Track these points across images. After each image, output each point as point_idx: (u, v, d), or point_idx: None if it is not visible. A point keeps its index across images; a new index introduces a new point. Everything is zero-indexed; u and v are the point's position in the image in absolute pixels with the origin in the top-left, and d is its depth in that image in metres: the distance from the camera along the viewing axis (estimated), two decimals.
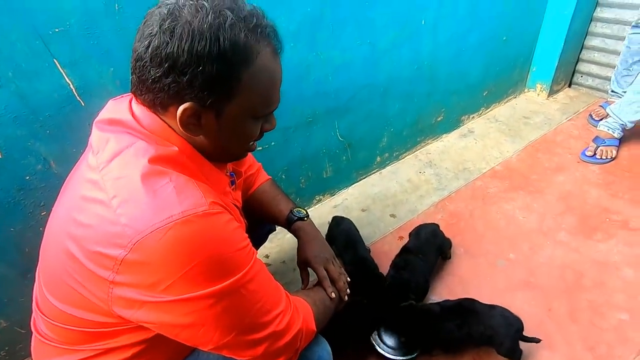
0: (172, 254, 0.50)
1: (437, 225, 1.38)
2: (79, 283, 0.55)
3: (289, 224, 1.03)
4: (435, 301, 1.24)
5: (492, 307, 1.08)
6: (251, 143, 0.69)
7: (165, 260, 0.50)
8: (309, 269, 0.97)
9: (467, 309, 1.08)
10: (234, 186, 0.84)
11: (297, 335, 0.67)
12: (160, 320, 0.54)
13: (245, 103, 0.58)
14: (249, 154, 1.03)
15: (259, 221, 1.11)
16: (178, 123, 0.56)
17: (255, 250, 0.63)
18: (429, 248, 1.30)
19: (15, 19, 0.82)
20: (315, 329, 0.74)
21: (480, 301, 1.10)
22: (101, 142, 0.58)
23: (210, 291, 0.53)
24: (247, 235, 0.62)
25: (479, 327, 1.03)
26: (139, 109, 0.60)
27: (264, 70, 0.57)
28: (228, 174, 0.80)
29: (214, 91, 0.54)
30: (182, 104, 0.55)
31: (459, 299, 1.11)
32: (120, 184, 0.53)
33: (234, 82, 0.55)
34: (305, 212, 1.05)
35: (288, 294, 0.70)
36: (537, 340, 1.04)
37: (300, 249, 0.99)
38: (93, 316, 0.57)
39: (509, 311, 1.06)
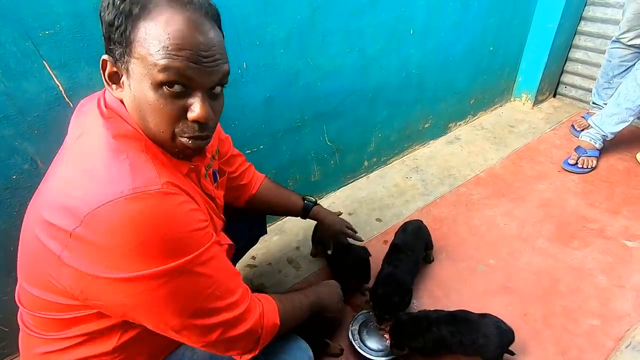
0: (119, 230, 0.50)
1: (421, 221, 1.41)
2: (41, 262, 0.55)
3: (306, 211, 1.21)
4: (415, 304, 1.27)
5: (485, 316, 1.09)
6: (178, 129, 0.60)
7: (112, 236, 0.50)
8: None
9: (461, 318, 1.09)
10: (216, 184, 0.85)
11: (254, 326, 0.66)
12: (109, 299, 0.54)
13: (142, 61, 0.54)
14: (238, 157, 1.04)
15: (251, 223, 1.17)
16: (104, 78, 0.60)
17: (213, 234, 0.62)
18: (416, 243, 1.33)
19: (6, 21, 0.83)
20: (278, 323, 0.73)
21: (466, 308, 1.12)
22: (73, 122, 0.64)
23: (158, 270, 0.53)
24: (205, 218, 0.61)
25: (472, 335, 1.04)
26: (108, 92, 0.63)
27: (160, 24, 0.53)
28: (206, 166, 0.78)
29: (114, 41, 0.56)
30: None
31: (452, 311, 1.13)
32: (82, 159, 0.56)
33: (130, 32, 0.54)
34: (314, 198, 1.24)
35: (248, 287, 0.69)
36: (512, 353, 1.08)
37: (323, 227, 1.27)
38: (59, 298, 0.57)
39: (503, 321, 1.08)
